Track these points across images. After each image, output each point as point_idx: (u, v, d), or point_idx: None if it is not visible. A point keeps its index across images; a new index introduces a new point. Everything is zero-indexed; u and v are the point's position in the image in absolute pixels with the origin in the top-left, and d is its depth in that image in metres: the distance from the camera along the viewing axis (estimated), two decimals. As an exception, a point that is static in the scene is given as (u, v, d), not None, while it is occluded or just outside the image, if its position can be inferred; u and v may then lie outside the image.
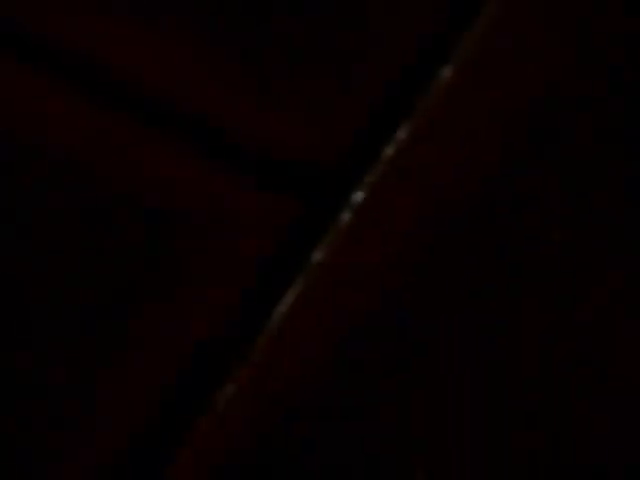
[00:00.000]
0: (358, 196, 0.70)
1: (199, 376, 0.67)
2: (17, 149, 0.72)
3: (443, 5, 0.73)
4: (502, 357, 0.67)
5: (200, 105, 0.72)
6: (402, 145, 0.71)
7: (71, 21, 0.75)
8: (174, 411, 0.66)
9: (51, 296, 0.69)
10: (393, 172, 0.70)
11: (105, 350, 0.67)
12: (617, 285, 0.68)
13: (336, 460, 0.66)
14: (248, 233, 0.69)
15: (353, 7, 0.74)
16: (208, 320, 0.68)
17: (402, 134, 0.71)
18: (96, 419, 0.66)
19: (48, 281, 0.69)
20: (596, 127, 0.71)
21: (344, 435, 0.66)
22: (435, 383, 0.67)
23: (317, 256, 0.69)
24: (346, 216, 0.70)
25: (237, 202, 0.70)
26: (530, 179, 0.70)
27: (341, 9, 0.74)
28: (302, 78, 0.72)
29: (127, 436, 0.66)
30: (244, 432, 0.66)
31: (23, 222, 0.70)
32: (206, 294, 0.68)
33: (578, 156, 0.70)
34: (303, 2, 0.74)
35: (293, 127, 0.71)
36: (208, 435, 0.66)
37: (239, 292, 0.69)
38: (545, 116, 0.71)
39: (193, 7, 0.75)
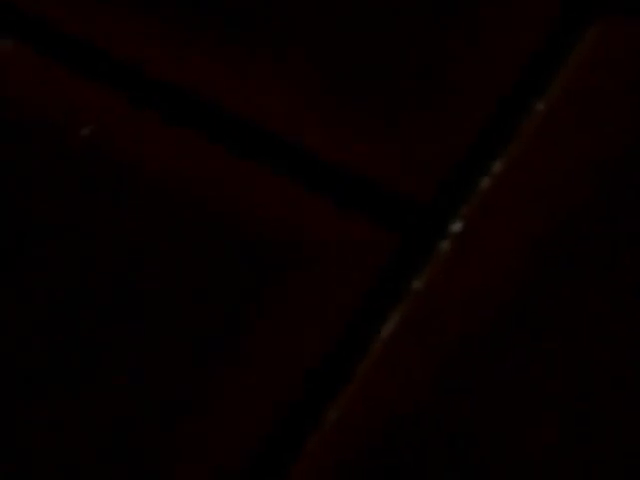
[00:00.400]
0: (456, 226, 0.72)
1: (306, 400, 0.69)
2: (132, 185, 0.75)
3: (539, 39, 0.76)
4: (615, 373, 0.68)
5: (300, 137, 0.75)
6: (498, 177, 0.73)
7: (171, 56, 0.78)
8: (284, 431, 0.68)
9: (160, 321, 0.71)
10: (489, 203, 0.73)
11: (218, 370, 0.70)
12: None
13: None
14: (352, 262, 0.72)
15: (449, 41, 0.77)
16: (314, 346, 0.70)
17: (497, 166, 0.73)
18: (208, 437, 0.68)
19: (157, 307, 0.71)
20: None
21: (446, 460, 0.68)
22: (538, 404, 0.68)
23: (417, 284, 0.71)
24: (445, 245, 0.72)
25: (341, 233, 0.72)
26: (624, 213, 0.72)
27: (437, 43, 0.77)
28: (399, 111, 0.75)
29: (239, 454, 0.68)
30: (350, 453, 0.68)
31: (147, 255, 0.73)
32: (311, 321, 0.71)
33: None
34: (398, 36, 0.77)
35: (391, 160, 0.74)
36: (316, 454, 0.68)
37: (343, 319, 0.71)
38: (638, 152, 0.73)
39: (290, 41, 0.78)
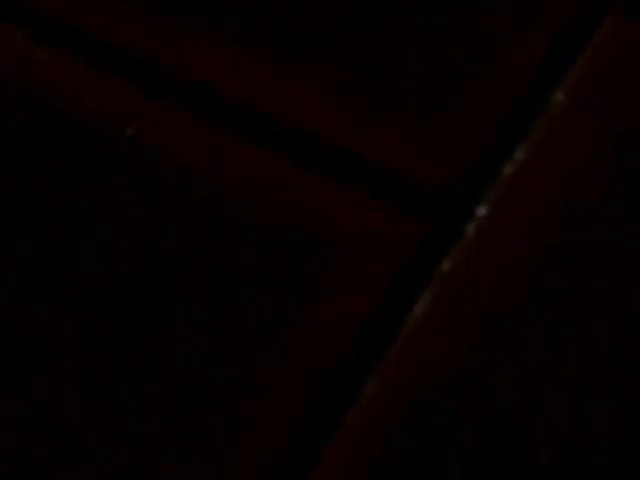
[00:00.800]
0: (481, 211, 0.76)
1: (338, 384, 0.72)
2: (165, 181, 0.78)
3: (555, 32, 0.80)
4: None
5: (330, 131, 0.78)
6: (520, 163, 0.77)
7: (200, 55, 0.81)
8: (321, 411, 0.72)
9: (210, 311, 0.74)
10: (512, 188, 0.76)
11: (262, 353, 0.73)
12: None
13: (470, 461, 0.70)
14: (382, 248, 0.75)
15: (477, 26, 0.80)
16: (346, 330, 0.73)
17: (520, 154, 0.77)
18: (256, 415, 0.71)
19: (208, 299, 0.74)
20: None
21: (475, 437, 0.71)
22: (570, 388, 0.72)
23: (446, 266, 0.74)
24: (471, 229, 0.75)
25: (369, 221, 0.76)
26: None
27: (465, 29, 0.80)
28: (422, 101, 0.79)
29: (279, 440, 0.71)
30: (383, 432, 0.71)
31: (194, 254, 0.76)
32: (343, 305, 0.74)
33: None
34: (429, 22, 0.80)
35: (418, 149, 0.77)
36: (353, 432, 0.71)
37: (373, 304, 0.74)
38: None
39: (320, 40, 0.81)
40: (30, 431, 0.71)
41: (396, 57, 0.80)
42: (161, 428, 0.70)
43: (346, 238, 0.75)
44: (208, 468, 0.70)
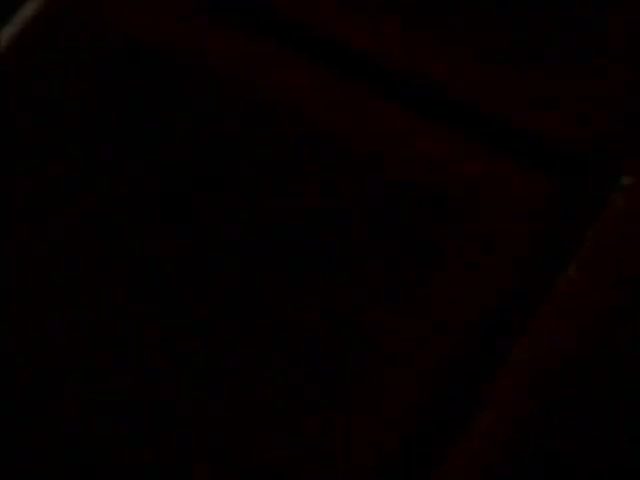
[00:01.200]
0: (628, 179, 0.76)
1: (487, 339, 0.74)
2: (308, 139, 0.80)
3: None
4: None
5: (472, 91, 0.80)
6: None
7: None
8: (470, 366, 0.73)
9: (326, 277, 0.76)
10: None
11: (392, 316, 0.75)
12: None
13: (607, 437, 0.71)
14: (523, 214, 0.76)
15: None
16: (487, 297, 0.75)
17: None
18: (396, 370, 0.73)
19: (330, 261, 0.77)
20: None
21: (601, 411, 0.72)
22: None
23: (593, 235, 0.75)
24: (618, 198, 0.76)
25: (513, 187, 0.77)
26: None
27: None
28: (566, 70, 0.80)
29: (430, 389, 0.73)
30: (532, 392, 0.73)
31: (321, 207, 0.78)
32: (480, 273, 0.75)
33: None
34: None
35: (561, 114, 0.78)
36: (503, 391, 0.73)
37: (513, 272, 0.75)
38: None
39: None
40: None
41: (530, 21, 0.81)
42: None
43: (484, 202, 0.77)
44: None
